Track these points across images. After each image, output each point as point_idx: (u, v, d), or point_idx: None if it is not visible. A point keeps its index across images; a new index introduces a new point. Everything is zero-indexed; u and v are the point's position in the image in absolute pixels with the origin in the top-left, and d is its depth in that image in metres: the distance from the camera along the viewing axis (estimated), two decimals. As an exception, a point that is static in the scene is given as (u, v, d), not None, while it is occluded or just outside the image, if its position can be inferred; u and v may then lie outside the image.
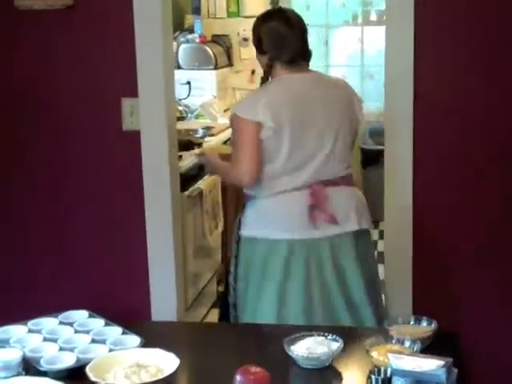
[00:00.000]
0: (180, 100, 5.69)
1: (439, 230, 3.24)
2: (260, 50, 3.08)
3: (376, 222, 6.49)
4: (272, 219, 2.96)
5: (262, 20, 3.08)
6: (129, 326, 2.37)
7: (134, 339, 2.24)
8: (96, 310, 2.57)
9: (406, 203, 3.23)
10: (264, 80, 3.09)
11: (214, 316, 4.66)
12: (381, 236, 5.87)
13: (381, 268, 3.32)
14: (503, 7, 3.04)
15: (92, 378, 1.97)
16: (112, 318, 2.50)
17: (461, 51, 3.10)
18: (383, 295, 3.27)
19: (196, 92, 5.82)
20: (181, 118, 5.50)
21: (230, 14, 6.46)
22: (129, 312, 3.39)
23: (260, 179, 2.95)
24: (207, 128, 5.22)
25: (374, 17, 7.24)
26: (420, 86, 3.13)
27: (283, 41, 2.99)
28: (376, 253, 5.84)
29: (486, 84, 3.11)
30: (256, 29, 3.08)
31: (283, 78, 3.02)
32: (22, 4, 3.32)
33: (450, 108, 3.15)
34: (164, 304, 3.49)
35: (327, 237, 2.94)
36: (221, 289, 4.63)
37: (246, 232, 3.06)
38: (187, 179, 4.41)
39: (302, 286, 2.92)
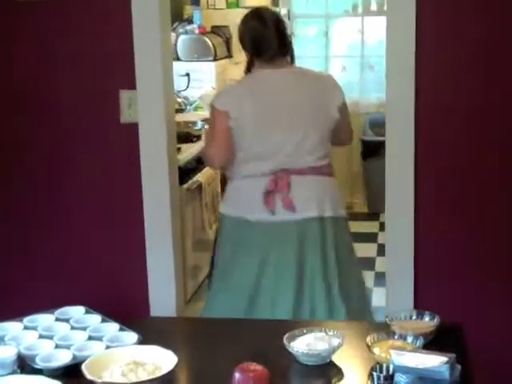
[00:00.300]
0: (179, 92, 5.65)
1: (441, 223, 3.21)
2: (243, 48, 3.30)
3: (377, 214, 6.51)
4: (235, 199, 3.22)
5: (242, 21, 3.27)
6: (126, 322, 2.32)
7: (132, 336, 2.20)
8: (94, 305, 2.53)
9: (408, 195, 3.19)
10: (246, 74, 3.33)
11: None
12: (381, 228, 5.85)
13: (382, 260, 3.29)
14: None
15: (88, 376, 1.92)
16: (110, 312, 2.45)
17: (463, 41, 3.07)
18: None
19: (195, 84, 5.78)
20: (179, 110, 5.46)
21: (229, 5, 6.43)
22: (127, 306, 3.39)
23: (232, 163, 3.20)
24: (206, 120, 5.17)
25: (374, 6, 7.19)
26: (422, 77, 3.09)
27: (259, 39, 3.18)
28: (376, 245, 5.86)
29: (488, 74, 3.07)
30: (238, 29, 3.29)
31: (258, 73, 3.22)
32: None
33: (452, 99, 3.12)
34: (163, 297, 3.47)
35: (288, 221, 3.09)
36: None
37: (220, 208, 3.37)
38: (186, 172, 4.39)
39: (257, 263, 3.11)
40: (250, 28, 3.22)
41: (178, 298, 3.50)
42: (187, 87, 5.76)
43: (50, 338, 2.21)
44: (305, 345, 2.07)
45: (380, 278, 3.49)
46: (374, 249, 5.83)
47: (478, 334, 2.98)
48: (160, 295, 3.47)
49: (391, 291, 3.31)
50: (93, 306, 2.49)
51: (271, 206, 3.09)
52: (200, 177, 4.58)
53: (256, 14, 3.24)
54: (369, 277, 5.20)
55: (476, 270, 3.20)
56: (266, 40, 3.16)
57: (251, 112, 3.11)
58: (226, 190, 3.35)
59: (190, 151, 4.51)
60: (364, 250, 5.72)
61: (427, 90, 3.11)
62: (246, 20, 3.25)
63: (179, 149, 4.21)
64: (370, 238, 6.12)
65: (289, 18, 7.08)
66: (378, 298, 4.58)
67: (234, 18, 6.09)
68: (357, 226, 6.34)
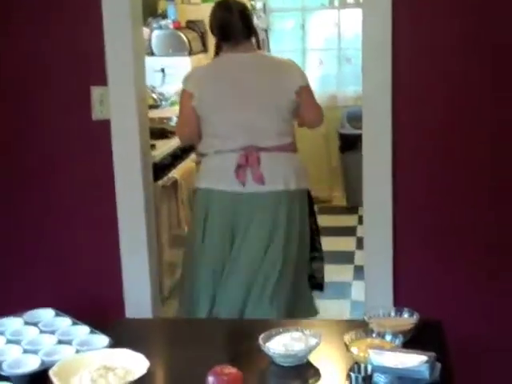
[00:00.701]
0: (154, 88, 5.57)
1: (420, 215, 3.16)
2: (213, 34, 3.58)
3: (355, 208, 6.47)
4: (208, 172, 3.42)
5: (211, 11, 3.56)
6: (99, 324, 2.25)
7: (102, 339, 2.13)
8: (67, 305, 2.47)
9: (385, 188, 3.14)
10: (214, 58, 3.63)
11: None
12: (360, 221, 5.82)
13: (361, 254, 3.26)
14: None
15: (56, 382, 1.86)
16: (84, 312, 2.41)
17: (440, 32, 3.01)
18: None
19: (170, 79, 5.70)
20: (155, 106, 5.40)
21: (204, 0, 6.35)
22: (102, 306, 3.34)
23: (204, 139, 3.45)
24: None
25: (351, -1, 7.14)
26: (398, 68, 3.04)
27: (225, 25, 3.45)
28: (355, 239, 5.82)
29: (465, 65, 3.02)
30: (209, 19, 3.58)
31: (224, 56, 3.49)
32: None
33: (429, 90, 3.06)
34: (138, 296, 3.42)
35: (258, 193, 3.31)
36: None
37: (195, 183, 3.55)
38: (162, 168, 4.31)
39: (220, 231, 3.36)
40: (217, 17, 3.50)
41: (153, 296, 3.44)
42: (163, 83, 5.69)
43: (18, 342, 2.14)
44: (281, 345, 2.01)
45: (359, 272, 3.47)
46: (353, 242, 5.79)
47: (459, 328, 2.95)
48: (135, 294, 3.40)
49: (370, 285, 3.26)
50: (66, 307, 2.43)
51: (242, 179, 3.31)
52: (175, 173, 4.50)
53: (223, 4, 3.52)
54: (348, 270, 5.19)
55: (457, 263, 3.15)
56: (231, 26, 3.42)
57: (212, 93, 3.39)
58: (200, 166, 3.55)
59: (165, 147, 4.43)
60: (343, 243, 5.72)
61: (404, 83, 3.05)
62: (215, 10, 3.54)
63: (154, 145, 4.15)
64: (349, 231, 6.09)
65: (264, 12, 7.02)
66: (358, 292, 4.55)
67: (208, 13, 6.03)
68: (336, 220, 6.35)
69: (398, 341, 1.99)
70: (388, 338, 2.01)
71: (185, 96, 3.46)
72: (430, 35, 3.02)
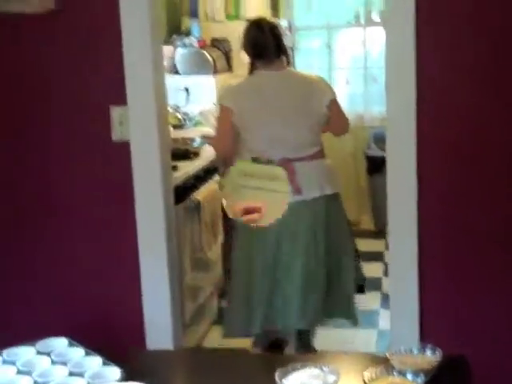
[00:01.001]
0: (178, 107, 5.53)
1: (446, 241, 3.08)
2: (246, 53, 3.78)
3: (383, 232, 6.30)
4: None
5: (244, 32, 3.78)
6: (114, 354, 2.18)
7: (115, 371, 2.06)
8: (85, 332, 2.43)
9: (411, 212, 3.07)
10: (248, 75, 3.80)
11: (215, 333, 4.55)
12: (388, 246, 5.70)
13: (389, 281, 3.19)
14: (504, 6, 2.88)
15: (64, 419, 1.80)
16: (103, 340, 2.35)
17: (464, 51, 2.94)
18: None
19: (194, 98, 5.66)
20: (179, 126, 5.34)
21: (228, 17, 6.31)
22: (121, 332, 3.29)
23: (241, 154, 3.63)
24: (206, 137, 5.01)
25: (376, 17, 7.05)
26: (422, 88, 2.97)
27: (257, 44, 3.69)
28: (383, 265, 5.66)
29: (490, 85, 2.95)
30: (242, 38, 3.79)
31: (257, 73, 3.71)
32: (7, 9, 3.15)
33: (454, 110, 2.99)
34: (159, 322, 3.35)
35: (297, 202, 3.52)
36: (223, 304, 4.52)
37: None
38: (184, 190, 4.25)
39: (273, 242, 3.55)
40: (250, 36, 3.73)
41: (174, 323, 3.38)
42: (187, 102, 5.64)
43: (29, 373, 2.08)
44: (298, 383, 1.93)
45: (387, 300, 3.39)
46: (381, 268, 5.63)
47: (488, 357, 2.87)
48: (156, 320, 3.35)
49: (395, 313, 3.19)
50: (84, 334, 2.37)
51: None
52: (198, 195, 4.43)
53: (255, 24, 3.76)
54: (375, 298, 5.07)
55: (482, 287, 3.07)
56: (264, 45, 3.66)
57: (248, 109, 3.59)
58: None
59: (187, 169, 4.37)
60: (370, 269, 5.51)
61: (431, 95, 2.98)
62: (247, 30, 3.76)
63: (176, 166, 4.09)
64: (377, 256, 5.93)
65: (290, 31, 6.96)
66: (385, 321, 4.42)
67: (233, 31, 5.98)
68: (363, 245, 6.15)
69: (420, 380, 1.90)
70: (409, 376, 1.93)
71: (223, 111, 3.65)
72: (455, 52, 2.95)
